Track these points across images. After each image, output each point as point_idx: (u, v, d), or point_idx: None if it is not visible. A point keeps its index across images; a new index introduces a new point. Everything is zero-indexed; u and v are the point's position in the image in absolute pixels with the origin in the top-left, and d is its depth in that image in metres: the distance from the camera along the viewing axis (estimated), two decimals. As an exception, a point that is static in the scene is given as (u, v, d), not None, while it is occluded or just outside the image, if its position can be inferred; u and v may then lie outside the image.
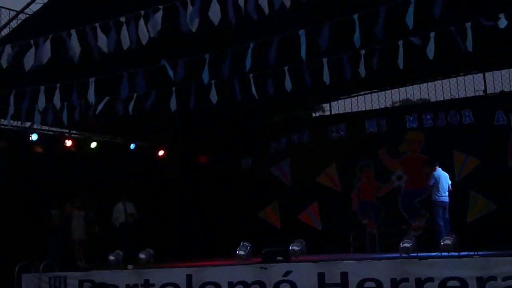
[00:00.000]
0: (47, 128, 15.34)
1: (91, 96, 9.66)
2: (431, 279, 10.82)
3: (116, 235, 15.54)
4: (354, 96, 18.17)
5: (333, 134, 17.73)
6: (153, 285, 12.83)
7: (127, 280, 12.86)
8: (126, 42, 8.26)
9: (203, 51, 9.55)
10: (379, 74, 10.07)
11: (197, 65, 9.51)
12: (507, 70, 16.25)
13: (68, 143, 15.97)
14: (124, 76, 9.53)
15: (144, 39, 8.15)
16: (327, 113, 19.58)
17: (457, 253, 11.51)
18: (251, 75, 10.06)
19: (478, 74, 16.65)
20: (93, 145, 16.51)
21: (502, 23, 8.10)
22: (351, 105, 18.39)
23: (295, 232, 15.36)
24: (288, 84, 9.83)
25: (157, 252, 14.19)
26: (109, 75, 9.58)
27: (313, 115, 21.58)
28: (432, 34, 8.80)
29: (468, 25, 8.59)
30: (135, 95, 10.12)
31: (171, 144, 18.37)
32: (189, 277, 12.63)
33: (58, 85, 9.75)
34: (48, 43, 8.71)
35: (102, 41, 8.39)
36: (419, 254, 11.72)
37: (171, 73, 9.33)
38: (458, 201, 15.84)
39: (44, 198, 14.73)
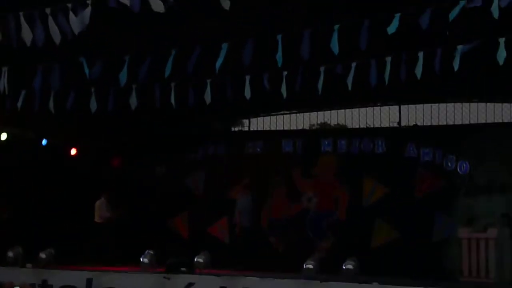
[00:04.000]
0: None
1: (1, 85, 9.40)
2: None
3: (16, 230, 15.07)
4: (273, 115, 18.34)
5: (250, 150, 17.80)
6: (51, 286, 12.55)
7: (24, 279, 12.50)
8: (56, 35, 7.98)
9: (124, 53, 9.46)
10: (299, 96, 10.23)
11: (118, 66, 9.42)
12: (421, 105, 16.78)
13: (-24, 133, 15.43)
14: (38, 70, 9.32)
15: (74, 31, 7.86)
16: (246, 128, 19.64)
17: (357, 278, 11.75)
18: (172, 84, 10.04)
19: (394, 106, 17.13)
20: (3, 137, 15.98)
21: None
22: (270, 123, 18.54)
23: (203, 245, 15.31)
24: (208, 97, 9.85)
25: (59, 253, 13.86)
26: (23, 66, 9.34)
27: (232, 129, 21.60)
28: (354, 64, 9.04)
29: (388, 59, 8.88)
30: (52, 92, 9.94)
31: (84, 143, 17.99)
32: (89, 281, 12.41)
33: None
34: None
35: (27, 33, 8.13)
36: (321, 276, 11.92)
37: (87, 70, 9.19)
38: (364, 226, 16.24)
39: None
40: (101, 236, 16.07)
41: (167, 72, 9.21)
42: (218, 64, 8.80)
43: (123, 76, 9.27)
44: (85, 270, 12.91)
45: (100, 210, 16.40)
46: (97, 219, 16.36)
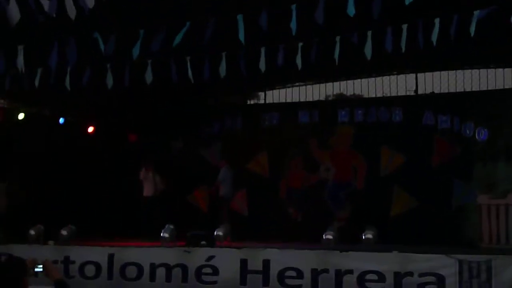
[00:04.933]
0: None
1: (20, 63, 9.41)
2: (350, 271, 11.11)
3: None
4: (289, 87, 18.27)
5: (266, 123, 17.79)
6: (73, 262, 12.69)
7: (47, 256, 12.60)
8: (71, 10, 7.95)
9: (139, 27, 9.44)
10: (315, 67, 10.18)
11: (133, 41, 9.40)
12: (438, 72, 16.65)
13: (-5, 112, 15.51)
14: (54, 45, 9.32)
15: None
16: (262, 101, 19.63)
17: (377, 248, 11.79)
18: (188, 58, 10.02)
19: (411, 74, 16.99)
20: (21, 116, 16.06)
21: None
22: (286, 95, 18.48)
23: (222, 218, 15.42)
24: (222, 70, 9.82)
25: (80, 230, 14.00)
26: (39, 43, 9.34)
27: (248, 102, 21.62)
28: (370, 33, 8.96)
29: (404, 26, 8.79)
30: (68, 69, 9.96)
31: (101, 121, 18.05)
32: (110, 257, 12.55)
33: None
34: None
35: (46, 5, 8.10)
36: (340, 246, 11.97)
37: (102, 46, 9.18)
38: (382, 195, 16.25)
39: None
40: (152, 209, 16.33)
41: (176, 41, 9.12)
42: (241, 36, 8.71)
43: (136, 50, 9.24)
44: (106, 246, 13.02)
45: (155, 183, 16.65)
46: (149, 193, 16.58)
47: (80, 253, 12.80)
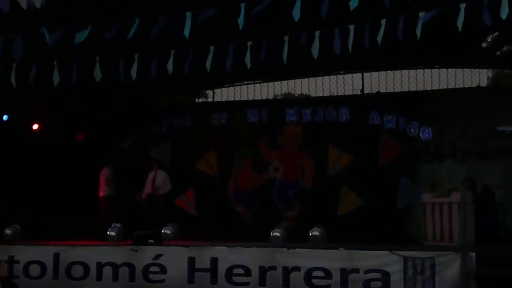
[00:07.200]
0: None
1: None
2: (297, 269, 11.22)
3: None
4: (237, 85, 18.31)
5: (215, 121, 17.76)
6: (17, 262, 12.46)
7: (-10, 255, 12.42)
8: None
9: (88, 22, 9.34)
10: (263, 66, 10.24)
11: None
12: (384, 72, 16.93)
13: None
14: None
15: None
16: (210, 100, 19.63)
17: (323, 245, 11.92)
18: (136, 56, 9.96)
19: (357, 74, 17.23)
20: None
21: None
22: (234, 94, 18.54)
23: (169, 217, 15.32)
24: (170, 66, 9.79)
25: (25, 229, 13.75)
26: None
27: (196, 100, 21.60)
28: (317, 33, 9.07)
29: (352, 27, 8.92)
30: (14, 65, 9.78)
31: (47, 119, 17.74)
32: (56, 256, 12.37)
33: None
34: None
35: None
36: (288, 244, 12.05)
37: (48, 38, 9.03)
38: (330, 194, 16.45)
39: None
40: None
41: (129, 35, 9.02)
42: (186, 32, 8.68)
43: (81, 36, 9.08)
44: (51, 245, 12.82)
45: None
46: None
47: (25, 253, 12.58)
